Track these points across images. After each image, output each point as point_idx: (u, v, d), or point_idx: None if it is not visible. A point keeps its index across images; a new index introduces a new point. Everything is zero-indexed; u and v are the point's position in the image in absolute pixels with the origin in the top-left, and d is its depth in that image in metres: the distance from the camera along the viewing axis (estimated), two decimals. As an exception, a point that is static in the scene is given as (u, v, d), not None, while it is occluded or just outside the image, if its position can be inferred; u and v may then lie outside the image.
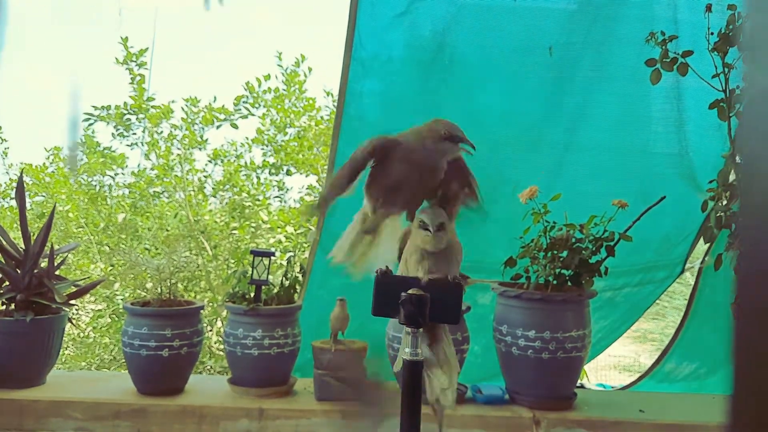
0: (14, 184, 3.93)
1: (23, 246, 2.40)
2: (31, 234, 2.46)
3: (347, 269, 1.25)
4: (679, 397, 2.52)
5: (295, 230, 4.51)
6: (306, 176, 4.90)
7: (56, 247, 2.55)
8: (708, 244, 2.56)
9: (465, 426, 2.15)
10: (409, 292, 0.96)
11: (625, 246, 2.23)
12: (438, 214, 1.12)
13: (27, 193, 4.50)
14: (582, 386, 2.63)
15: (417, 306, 0.96)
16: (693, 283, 2.82)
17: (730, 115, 2.14)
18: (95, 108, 4.44)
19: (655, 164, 2.58)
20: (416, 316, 0.96)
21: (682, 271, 2.69)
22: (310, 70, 4.63)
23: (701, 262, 2.66)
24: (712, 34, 2.11)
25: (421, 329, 0.98)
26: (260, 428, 2.17)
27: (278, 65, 4.59)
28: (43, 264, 2.42)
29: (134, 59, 4.39)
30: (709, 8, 2.11)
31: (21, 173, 2.86)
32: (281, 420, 2.17)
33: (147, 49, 4.44)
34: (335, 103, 4.68)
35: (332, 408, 2.19)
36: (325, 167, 4.67)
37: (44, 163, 4.84)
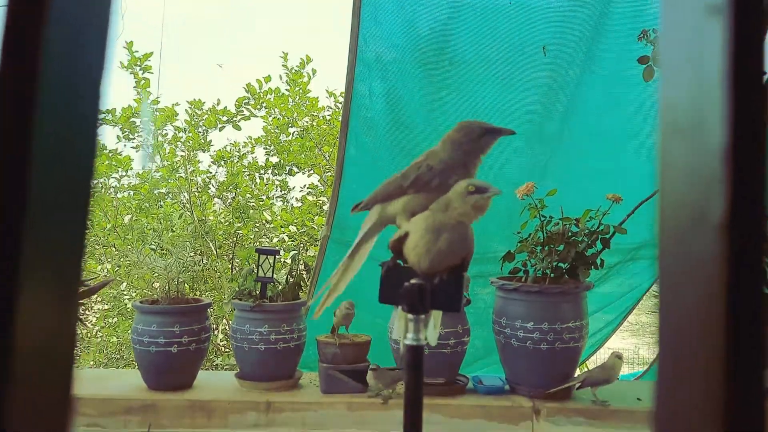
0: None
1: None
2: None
3: (317, 306, 1.26)
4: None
5: (298, 229, 4.57)
6: (308, 176, 4.96)
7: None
8: None
9: (466, 416, 2.20)
10: (411, 281, 1.02)
11: (615, 223, 2.29)
12: (488, 183, 1.08)
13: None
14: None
15: (417, 295, 1.01)
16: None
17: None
18: (100, 111, 4.50)
19: (648, 151, 2.63)
20: (417, 304, 1.02)
21: None
22: (314, 71, 4.68)
23: None
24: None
25: (422, 316, 1.03)
26: (268, 421, 2.23)
27: (283, 65, 4.65)
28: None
29: (138, 63, 4.45)
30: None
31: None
32: (288, 413, 2.23)
33: (152, 53, 4.50)
34: (338, 104, 4.76)
35: (338, 401, 2.25)
36: (327, 167, 4.73)
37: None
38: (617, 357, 2.21)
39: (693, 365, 0.30)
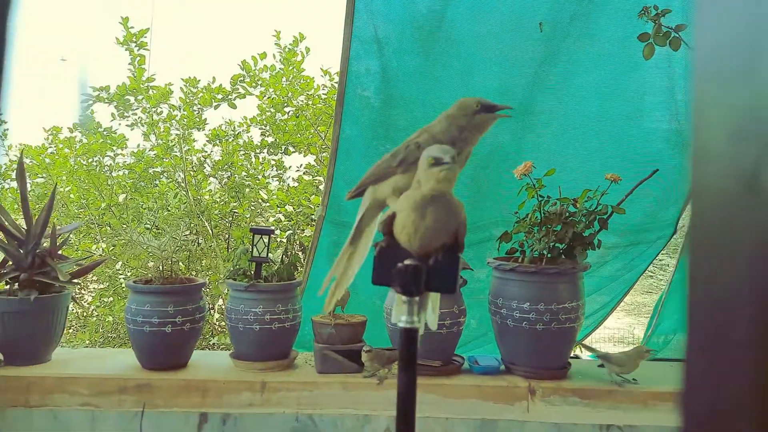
0: (15, 166, 3.95)
1: (25, 226, 2.44)
2: (33, 215, 2.49)
3: (327, 297, 1.22)
4: (673, 366, 2.57)
5: (295, 209, 4.55)
6: (304, 155, 4.92)
7: (58, 227, 2.58)
8: None
9: (462, 396, 2.20)
10: (405, 262, 0.99)
11: (613, 204, 2.27)
12: (446, 149, 1.02)
13: (27, 174, 4.53)
14: (576, 357, 2.68)
15: (411, 276, 0.99)
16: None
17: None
18: (94, 89, 4.44)
19: (646, 131, 2.61)
20: (411, 286, 1.00)
21: (675, 232, 2.74)
22: (308, 50, 4.62)
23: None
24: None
25: (416, 298, 1.01)
26: (263, 401, 2.22)
27: (276, 44, 4.59)
28: (46, 244, 2.46)
29: (134, 40, 4.39)
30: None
31: (21, 154, 2.88)
32: (283, 392, 2.23)
33: (147, 29, 4.43)
34: (333, 83, 4.70)
35: (333, 380, 2.24)
36: (323, 146, 4.69)
37: (44, 144, 4.86)
38: (645, 351, 2.20)
39: (729, 350, 0.27)
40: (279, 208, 4.58)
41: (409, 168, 1.17)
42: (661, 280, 4.62)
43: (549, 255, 2.24)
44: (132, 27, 4.37)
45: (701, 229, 0.29)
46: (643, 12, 2.16)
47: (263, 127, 4.76)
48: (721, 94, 0.27)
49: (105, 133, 4.61)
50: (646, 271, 2.95)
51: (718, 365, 0.28)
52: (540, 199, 2.26)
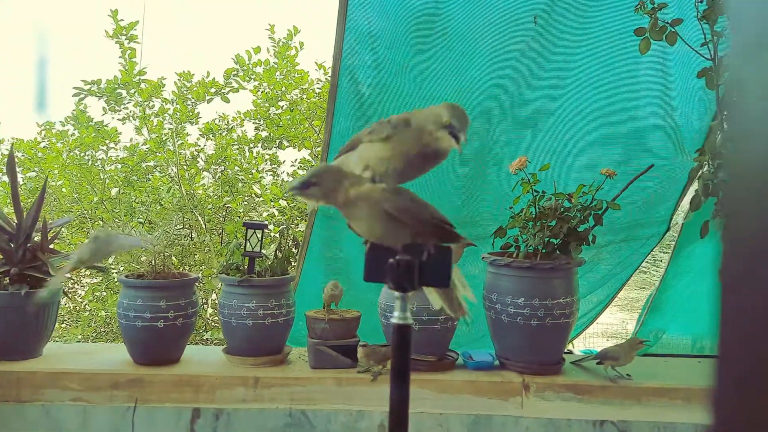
0: (6, 160, 3.92)
1: (16, 220, 2.41)
2: (24, 209, 2.47)
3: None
4: (666, 361, 2.57)
5: (289, 204, 4.53)
6: (298, 150, 4.90)
7: (49, 221, 2.56)
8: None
9: (457, 391, 2.19)
10: (397, 258, 0.98)
11: (608, 200, 2.27)
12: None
13: (19, 169, 4.49)
14: (570, 352, 2.68)
15: (404, 272, 0.98)
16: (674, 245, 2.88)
17: (719, 83, 2.15)
18: (85, 82, 4.40)
19: (640, 126, 2.61)
20: (403, 281, 0.99)
21: (668, 229, 2.74)
22: (302, 45, 4.59)
23: (684, 219, 2.72)
24: (701, 1, 2.10)
25: (409, 293, 1.00)
26: (256, 396, 2.21)
27: (270, 38, 4.56)
28: (37, 238, 2.44)
29: (124, 33, 4.35)
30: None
31: (12, 148, 2.85)
32: (276, 388, 2.21)
33: (137, 22, 4.39)
34: (327, 77, 4.68)
35: (327, 376, 2.23)
36: (318, 141, 4.67)
37: (36, 138, 4.82)
38: (639, 343, 2.21)
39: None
40: (273, 203, 4.55)
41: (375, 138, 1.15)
42: (654, 275, 4.64)
43: (543, 250, 2.24)
44: (122, 20, 4.33)
45: (738, 218, 0.28)
46: (639, 6, 2.15)
47: (257, 121, 4.73)
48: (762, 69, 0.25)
49: (97, 127, 4.57)
50: (640, 267, 2.95)
51: (755, 364, 0.27)
52: (535, 194, 2.25)
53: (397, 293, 0.99)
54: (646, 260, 2.96)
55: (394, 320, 1.00)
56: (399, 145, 1.11)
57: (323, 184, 1.03)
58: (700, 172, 2.23)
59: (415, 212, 1.05)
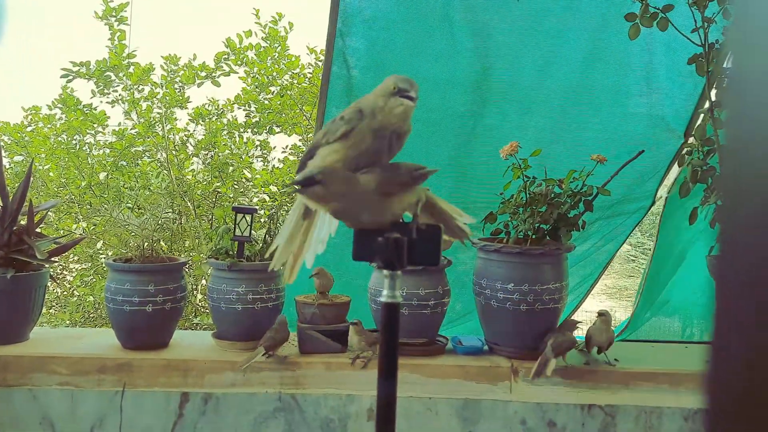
0: (-8, 143, 3.87)
1: (1, 203, 2.39)
2: (10, 192, 2.44)
3: (285, 270, 1.16)
4: (653, 347, 2.59)
5: (279, 189, 4.51)
6: (289, 135, 4.87)
7: (35, 205, 2.53)
8: (673, 181, 2.68)
9: (446, 376, 2.20)
10: (386, 235, 0.98)
11: (598, 183, 2.28)
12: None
13: (5, 153, 4.44)
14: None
15: (393, 250, 0.97)
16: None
17: (709, 70, 2.15)
18: (74, 64, 4.35)
19: (628, 108, 2.62)
20: (393, 259, 0.98)
21: (653, 203, 2.78)
22: (291, 26, 4.55)
23: (668, 192, 2.75)
24: (691, -13, 2.10)
25: (399, 272, 0.99)
26: (245, 381, 2.21)
27: (256, 23, 4.51)
28: (23, 221, 2.41)
29: (114, 14, 4.29)
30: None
31: (-3, 130, 2.81)
32: (265, 372, 2.21)
33: (128, 3, 4.33)
34: (318, 61, 4.64)
35: (316, 360, 2.23)
36: (309, 126, 4.64)
37: (22, 122, 4.76)
38: (576, 324, 2.22)
39: (761, 332, 0.25)
40: (263, 188, 4.53)
41: (331, 141, 1.13)
42: (643, 264, 4.66)
43: (534, 236, 2.24)
44: (111, 1, 4.28)
45: (734, 203, 0.27)
46: (630, -9, 2.14)
47: (247, 107, 4.70)
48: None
49: (86, 110, 4.52)
50: (628, 255, 2.96)
51: (748, 347, 0.26)
52: (525, 179, 2.24)
53: (386, 271, 0.99)
54: (635, 249, 2.98)
55: (382, 299, 1.00)
56: (358, 138, 1.09)
57: (330, 187, 0.96)
58: (690, 159, 2.24)
59: (397, 180, 1.05)
